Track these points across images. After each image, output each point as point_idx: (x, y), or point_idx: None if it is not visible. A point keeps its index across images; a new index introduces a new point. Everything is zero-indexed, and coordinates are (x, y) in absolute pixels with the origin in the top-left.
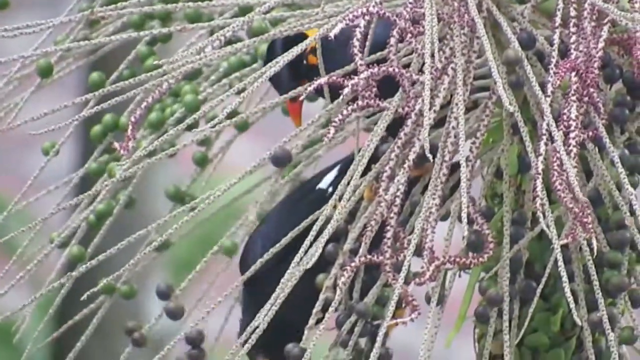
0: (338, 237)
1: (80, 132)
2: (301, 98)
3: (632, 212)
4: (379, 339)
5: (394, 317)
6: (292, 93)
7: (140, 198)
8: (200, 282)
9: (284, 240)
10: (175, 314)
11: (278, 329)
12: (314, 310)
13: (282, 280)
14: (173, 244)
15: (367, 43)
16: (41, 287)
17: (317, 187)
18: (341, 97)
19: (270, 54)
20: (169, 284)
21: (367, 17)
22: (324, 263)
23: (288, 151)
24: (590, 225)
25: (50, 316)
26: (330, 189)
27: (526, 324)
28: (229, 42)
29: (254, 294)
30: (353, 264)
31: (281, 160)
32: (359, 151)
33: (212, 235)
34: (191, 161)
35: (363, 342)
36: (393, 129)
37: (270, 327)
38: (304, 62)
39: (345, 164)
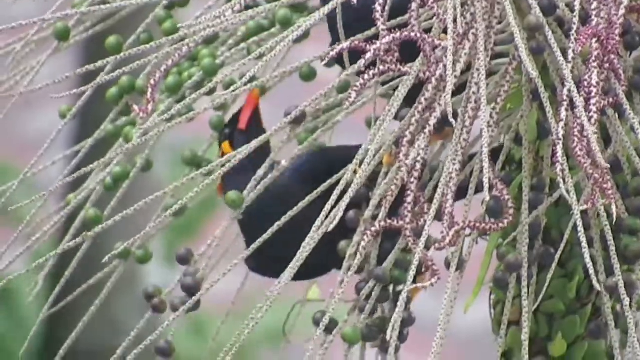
0: (359, 203)
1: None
2: (323, 63)
3: None
4: (401, 303)
5: (414, 282)
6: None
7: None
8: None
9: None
10: (192, 289)
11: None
12: (339, 279)
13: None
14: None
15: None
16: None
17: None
18: (362, 61)
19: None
20: (189, 248)
21: None
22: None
23: (302, 109)
24: (610, 192)
25: (46, 279)
26: None
27: (544, 290)
28: (247, 6)
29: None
30: (373, 229)
31: (295, 117)
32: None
33: (212, 199)
34: (190, 125)
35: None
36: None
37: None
38: None
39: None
